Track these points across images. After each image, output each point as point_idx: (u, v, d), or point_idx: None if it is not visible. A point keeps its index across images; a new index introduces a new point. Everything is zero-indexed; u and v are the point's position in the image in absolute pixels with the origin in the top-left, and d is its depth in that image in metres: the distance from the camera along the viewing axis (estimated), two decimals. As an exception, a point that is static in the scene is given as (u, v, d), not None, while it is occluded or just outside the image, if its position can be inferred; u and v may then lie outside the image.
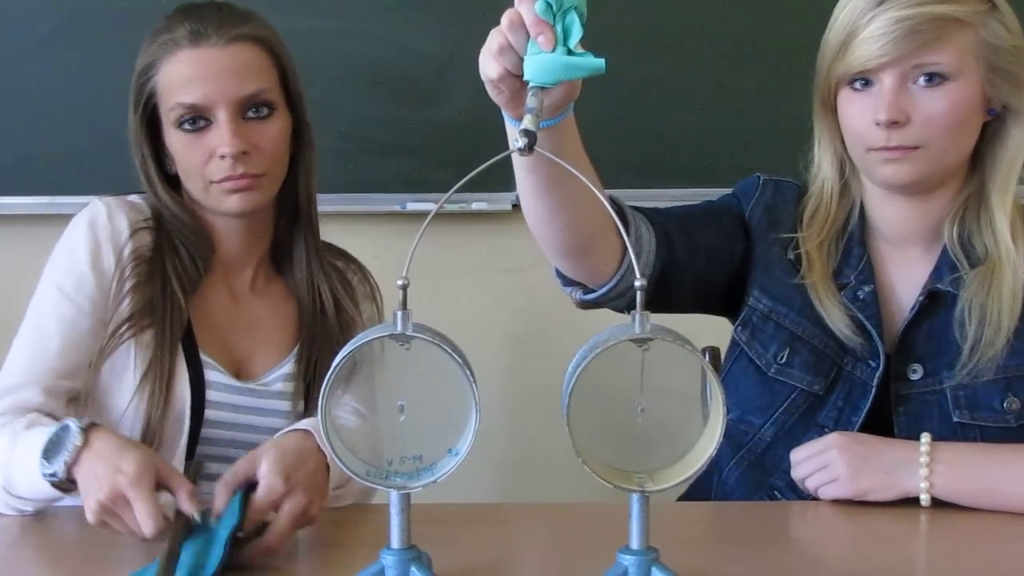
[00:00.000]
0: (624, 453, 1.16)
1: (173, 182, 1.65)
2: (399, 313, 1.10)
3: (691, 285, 1.58)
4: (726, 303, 1.66)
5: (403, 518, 1.15)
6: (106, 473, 1.30)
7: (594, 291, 1.50)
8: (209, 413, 1.59)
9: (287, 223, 1.69)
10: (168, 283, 1.60)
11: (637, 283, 1.08)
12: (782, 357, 1.61)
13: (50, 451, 1.36)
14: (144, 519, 1.26)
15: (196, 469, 1.42)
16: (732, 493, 1.65)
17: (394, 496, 1.14)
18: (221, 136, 1.56)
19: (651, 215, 1.55)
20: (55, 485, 1.36)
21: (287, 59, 1.64)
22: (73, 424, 1.36)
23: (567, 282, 1.53)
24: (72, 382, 1.56)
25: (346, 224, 2.36)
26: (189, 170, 1.60)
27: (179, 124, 1.58)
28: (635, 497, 1.14)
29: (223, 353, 1.63)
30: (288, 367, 1.65)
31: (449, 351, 1.10)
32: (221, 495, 1.31)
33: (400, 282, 1.08)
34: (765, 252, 1.63)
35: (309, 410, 1.64)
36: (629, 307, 1.09)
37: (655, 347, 1.10)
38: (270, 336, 1.66)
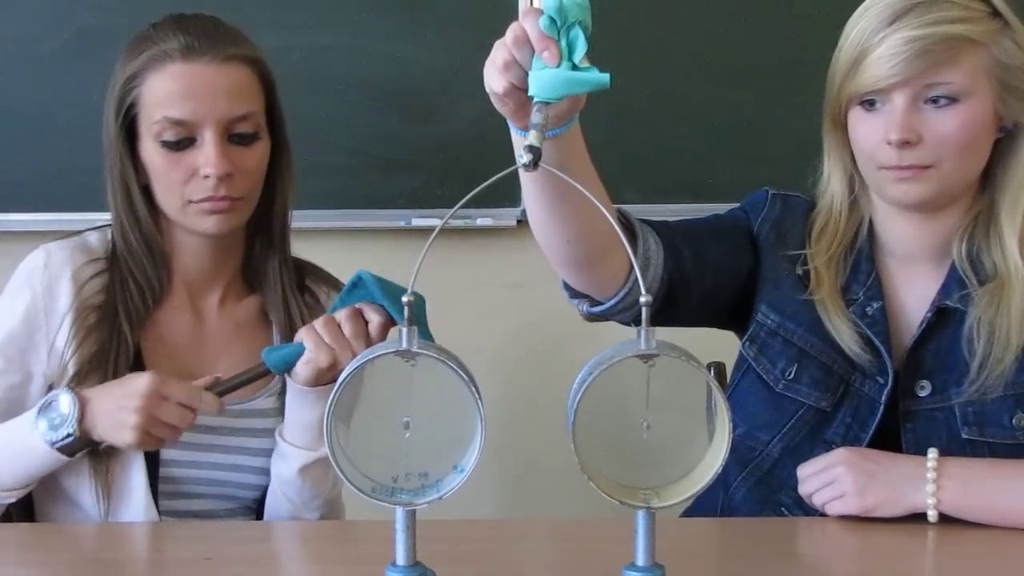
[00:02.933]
0: (630, 469, 1.16)
1: (142, 196, 1.62)
2: (404, 330, 1.10)
3: (698, 299, 1.59)
4: (734, 318, 1.67)
5: (408, 535, 1.15)
6: (124, 395, 1.36)
7: (601, 303, 1.50)
8: (169, 453, 1.58)
9: (260, 244, 1.69)
10: (118, 325, 1.59)
11: (643, 299, 1.08)
12: (790, 373, 1.61)
13: (51, 421, 1.38)
14: (190, 391, 1.31)
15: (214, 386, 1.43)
16: (739, 509, 1.65)
17: (399, 513, 1.15)
18: (207, 156, 1.55)
19: (659, 228, 1.56)
20: (65, 448, 1.38)
21: (274, 84, 1.64)
22: (56, 393, 1.39)
23: (574, 294, 1.53)
24: None
25: (350, 240, 2.38)
26: (167, 187, 1.58)
27: (162, 140, 1.56)
28: (641, 513, 1.14)
29: (183, 376, 1.59)
30: (266, 401, 1.64)
31: (454, 367, 1.11)
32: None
33: (405, 298, 1.09)
34: (773, 267, 1.64)
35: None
36: (636, 320, 1.10)
37: (661, 363, 1.11)
38: (240, 354, 1.64)
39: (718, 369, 1.93)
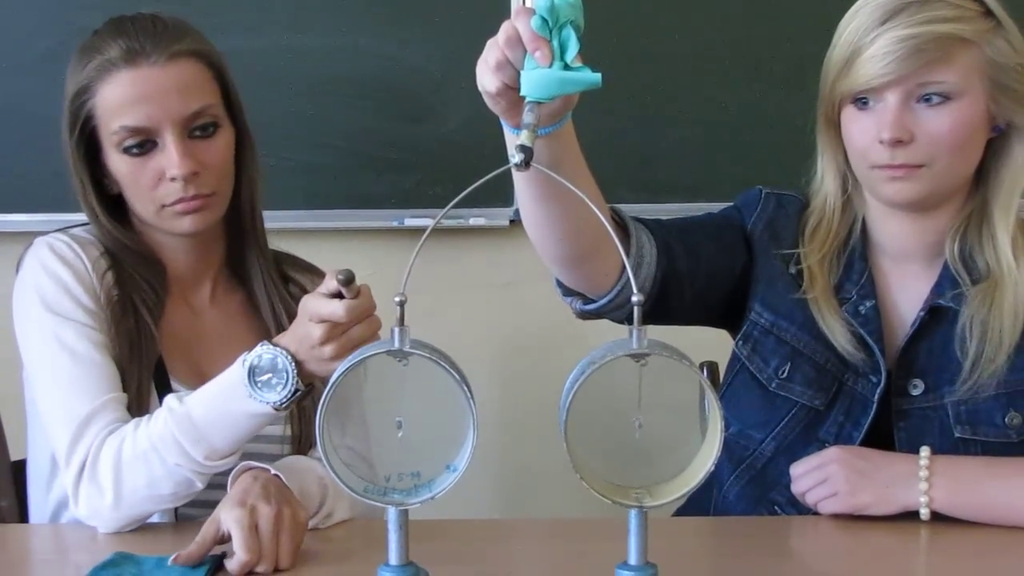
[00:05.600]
0: (622, 468, 1.17)
1: (114, 202, 1.62)
2: (396, 329, 1.11)
3: (691, 298, 1.59)
4: (727, 317, 1.67)
5: (401, 534, 1.16)
6: (301, 327, 1.41)
7: (594, 301, 1.51)
8: None
9: (237, 236, 1.68)
10: (140, 317, 1.58)
11: (634, 298, 1.09)
12: (783, 372, 1.62)
13: (270, 385, 1.42)
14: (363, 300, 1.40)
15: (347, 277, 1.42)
16: (732, 508, 1.66)
17: (392, 512, 1.15)
18: (170, 158, 1.54)
19: (652, 226, 1.56)
20: (289, 405, 1.43)
21: (226, 71, 1.62)
22: (259, 355, 1.42)
23: (567, 292, 1.54)
24: (123, 392, 1.54)
25: (343, 240, 2.39)
26: (138, 194, 1.58)
27: (124, 148, 1.55)
28: (633, 512, 1.15)
29: (192, 370, 1.62)
30: (275, 428, 1.62)
31: (447, 367, 1.11)
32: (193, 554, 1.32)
33: (398, 298, 1.10)
34: (767, 266, 1.64)
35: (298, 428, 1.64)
36: (629, 318, 1.10)
37: (653, 362, 1.12)
38: (238, 346, 1.60)
39: (711, 368, 1.93)
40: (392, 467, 1.16)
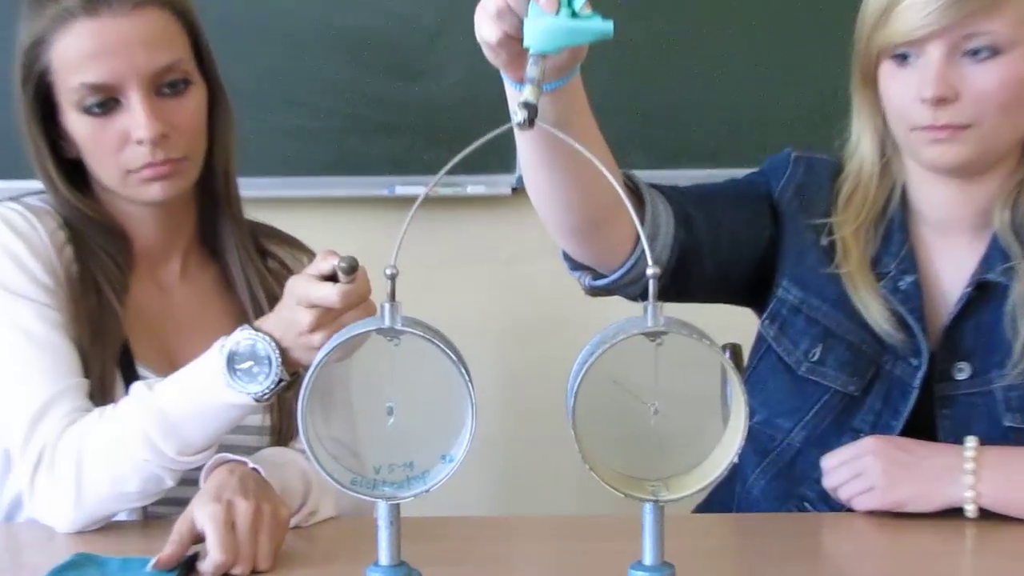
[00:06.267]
0: (636, 459, 1.17)
1: (73, 168, 1.61)
2: (387, 306, 1.11)
3: (712, 272, 1.60)
4: (752, 293, 1.68)
5: (392, 531, 1.16)
6: (287, 310, 1.38)
7: (605, 276, 1.52)
8: None
9: (210, 205, 1.68)
10: (103, 295, 1.58)
11: (649, 271, 1.09)
12: (814, 354, 1.62)
13: (250, 374, 1.40)
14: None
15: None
16: (757, 504, 1.67)
17: (382, 507, 1.16)
18: (135, 119, 1.53)
19: (669, 194, 1.57)
20: (271, 396, 1.42)
21: (197, 22, 1.61)
22: (238, 342, 1.40)
23: (575, 266, 1.54)
24: (85, 378, 1.54)
25: (328, 210, 2.39)
26: (100, 158, 1.57)
27: (84, 107, 1.54)
28: (648, 507, 1.15)
29: (160, 354, 1.61)
30: (254, 418, 1.62)
31: (442, 347, 1.12)
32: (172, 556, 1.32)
33: (388, 271, 1.10)
34: (796, 237, 1.65)
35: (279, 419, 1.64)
36: (643, 294, 1.10)
37: (670, 342, 1.12)
38: (211, 328, 1.61)
39: (734, 351, 1.94)
40: (382, 457, 1.16)
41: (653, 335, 1.11)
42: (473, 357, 1.16)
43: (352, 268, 1.35)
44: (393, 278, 1.10)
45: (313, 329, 1.38)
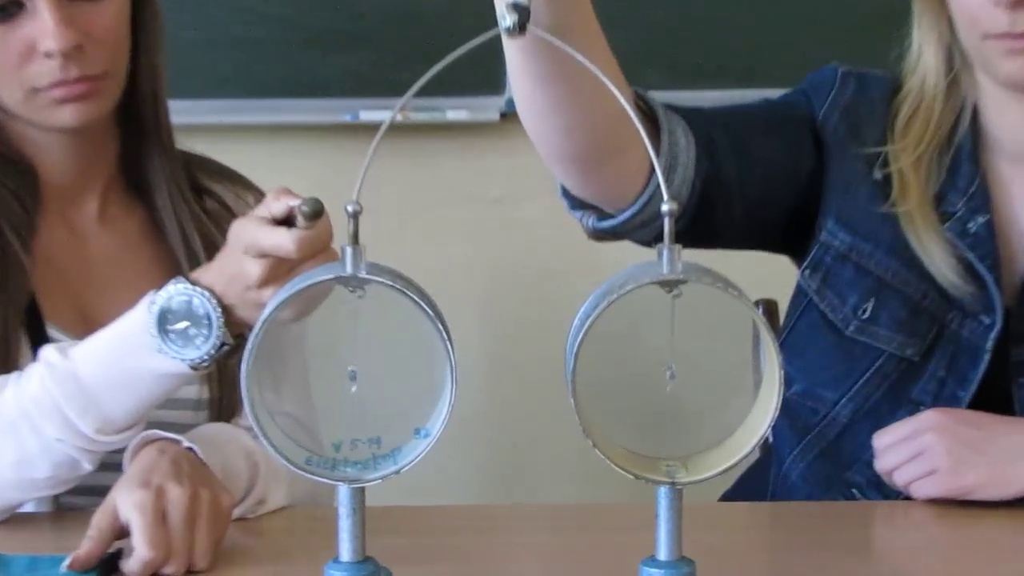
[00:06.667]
0: (648, 434, 1.18)
1: None
2: (349, 249, 1.11)
3: (742, 211, 1.61)
4: (789, 237, 1.69)
5: (355, 521, 1.16)
6: (232, 261, 1.38)
7: (612, 216, 1.52)
8: None
9: (135, 134, 1.69)
10: (4, 241, 1.58)
11: (665, 207, 1.10)
12: (864, 311, 1.63)
13: (185, 337, 1.40)
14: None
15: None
16: (796, 490, 1.68)
17: (343, 492, 1.16)
18: (43, 26, 1.53)
19: (691, 117, 1.57)
20: (210, 362, 1.41)
21: None
22: (170, 297, 1.40)
23: (577, 204, 1.55)
24: None
25: (279, 139, 2.40)
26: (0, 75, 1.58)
27: None
28: (663, 492, 1.16)
29: (75, 312, 1.62)
30: (188, 389, 1.62)
31: (415, 298, 1.12)
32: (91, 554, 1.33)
33: (350, 207, 1.10)
34: (844, 169, 1.65)
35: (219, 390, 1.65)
36: (658, 238, 1.11)
37: (690, 293, 1.12)
38: (137, 280, 1.62)
39: (768, 307, 1.95)
40: (344, 432, 1.16)
41: (670, 284, 1.11)
42: (454, 312, 1.17)
43: (316, 213, 1.34)
44: (356, 216, 1.10)
45: (262, 283, 1.37)
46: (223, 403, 1.64)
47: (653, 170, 1.47)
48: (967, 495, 1.50)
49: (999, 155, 1.65)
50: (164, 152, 1.69)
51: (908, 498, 1.54)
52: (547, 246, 2.30)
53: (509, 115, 2.31)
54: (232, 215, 1.66)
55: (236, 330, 1.41)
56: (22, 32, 1.55)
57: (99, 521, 1.35)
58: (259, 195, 1.73)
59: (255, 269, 1.37)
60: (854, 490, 1.64)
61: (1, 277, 1.57)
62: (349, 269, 1.11)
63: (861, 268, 1.64)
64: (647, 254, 1.16)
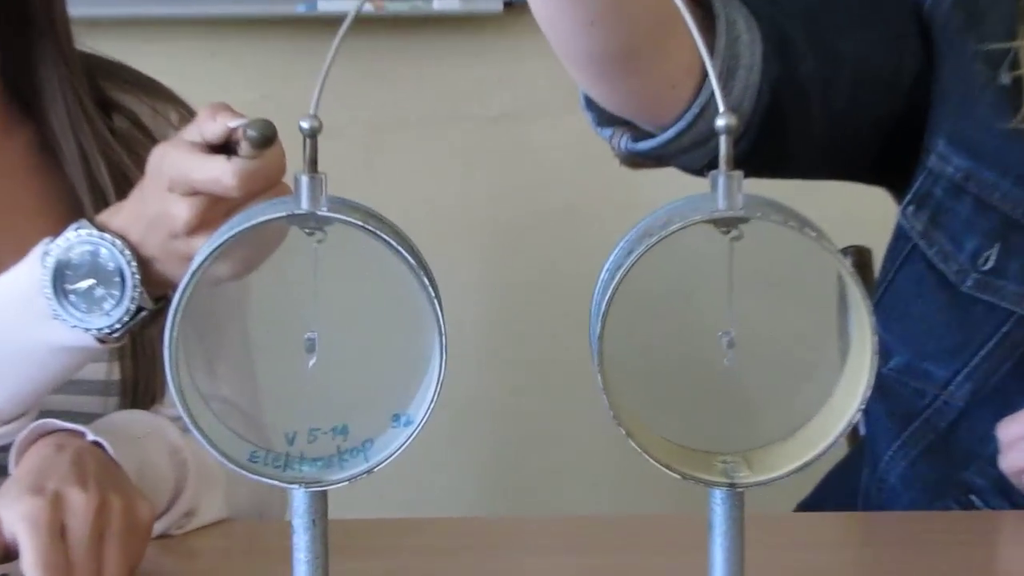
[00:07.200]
0: (699, 421, 1.18)
1: None
2: (304, 178, 1.10)
3: (824, 128, 1.61)
4: (886, 163, 1.70)
5: (313, 537, 1.17)
6: (153, 199, 1.37)
7: (652, 135, 1.53)
8: None
9: (21, 32, 1.70)
10: None
11: (722, 121, 1.09)
12: (987, 259, 1.63)
13: (91, 289, 1.41)
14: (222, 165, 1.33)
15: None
16: (896, 497, 1.69)
17: (299, 499, 1.17)
18: None
19: (756, 5, 1.57)
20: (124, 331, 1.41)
21: None
22: (69, 247, 1.40)
23: (605, 119, 1.56)
24: None
25: (210, 37, 2.40)
26: None
27: None
28: (719, 497, 1.16)
29: None
30: (93, 368, 1.63)
31: (395, 244, 1.12)
32: None
33: (305, 123, 1.09)
34: (959, 73, 1.66)
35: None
36: (712, 164, 1.10)
37: (753, 235, 1.12)
38: (24, 223, 1.65)
39: (859, 256, 1.95)
40: (299, 420, 1.17)
41: (727, 223, 1.11)
42: (444, 264, 1.17)
43: (266, 139, 1.32)
44: (314, 134, 1.09)
45: (192, 229, 1.37)
46: (139, 386, 1.65)
47: (705, 73, 1.47)
48: (1120, 502, 1.52)
49: None
50: (59, 54, 1.70)
51: (1043, 505, 1.55)
52: (566, 177, 2.30)
53: (516, 4, 2.32)
54: (151, 138, 1.67)
55: (157, 291, 1.41)
56: None
57: None
58: (187, 112, 1.74)
59: (183, 211, 1.36)
60: (972, 496, 1.65)
61: None
62: (305, 204, 1.10)
63: (982, 203, 1.64)
64: (697, 186, 1.16)
